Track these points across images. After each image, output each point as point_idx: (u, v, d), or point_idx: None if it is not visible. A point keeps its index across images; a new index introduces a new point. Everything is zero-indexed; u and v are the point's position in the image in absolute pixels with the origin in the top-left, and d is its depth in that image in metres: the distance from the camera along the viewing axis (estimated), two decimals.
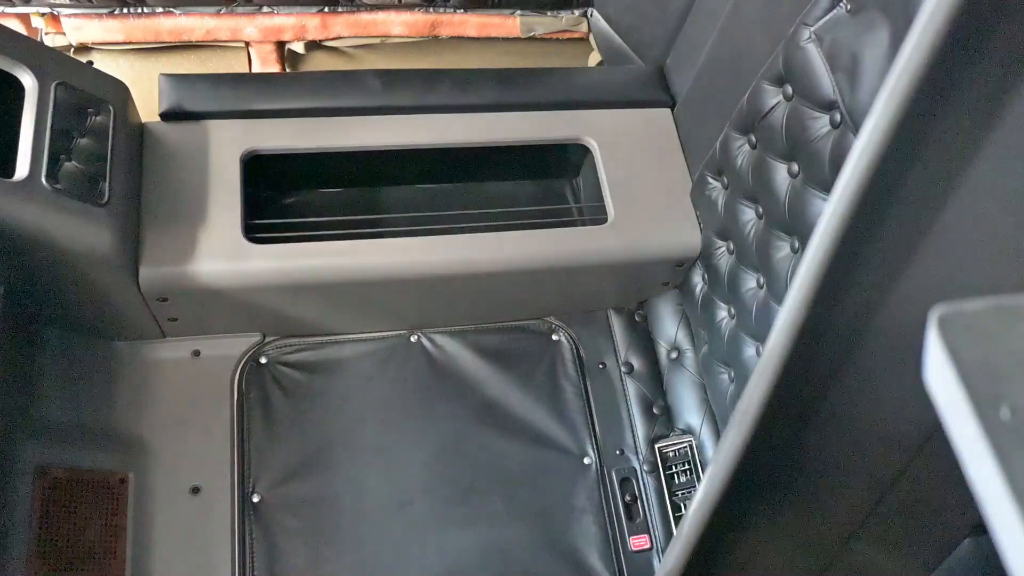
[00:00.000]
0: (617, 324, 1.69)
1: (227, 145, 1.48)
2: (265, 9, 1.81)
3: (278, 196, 1.64)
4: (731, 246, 1.48)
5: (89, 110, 1.33)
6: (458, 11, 1.91)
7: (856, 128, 1.17)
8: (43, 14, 1.72)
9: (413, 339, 1.61)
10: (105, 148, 1.32)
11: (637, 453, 1.58)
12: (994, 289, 0.56)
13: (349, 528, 1.44)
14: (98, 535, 1.33)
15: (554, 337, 1.66)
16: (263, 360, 1.54)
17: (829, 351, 0.73)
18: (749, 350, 1.43)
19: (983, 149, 0.60)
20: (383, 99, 1.57)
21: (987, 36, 0.55)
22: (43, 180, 1.24)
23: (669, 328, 1.67)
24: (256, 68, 1.83)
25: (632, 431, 1.61)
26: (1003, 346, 0.52)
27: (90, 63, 1.69)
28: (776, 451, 0.81)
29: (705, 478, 0.84)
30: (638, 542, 1.51)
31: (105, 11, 1.74)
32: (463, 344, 1.62)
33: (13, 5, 1.69)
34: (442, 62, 1.96)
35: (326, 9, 1.84)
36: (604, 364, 1.66)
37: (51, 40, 1.74)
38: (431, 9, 1.89)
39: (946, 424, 0.53)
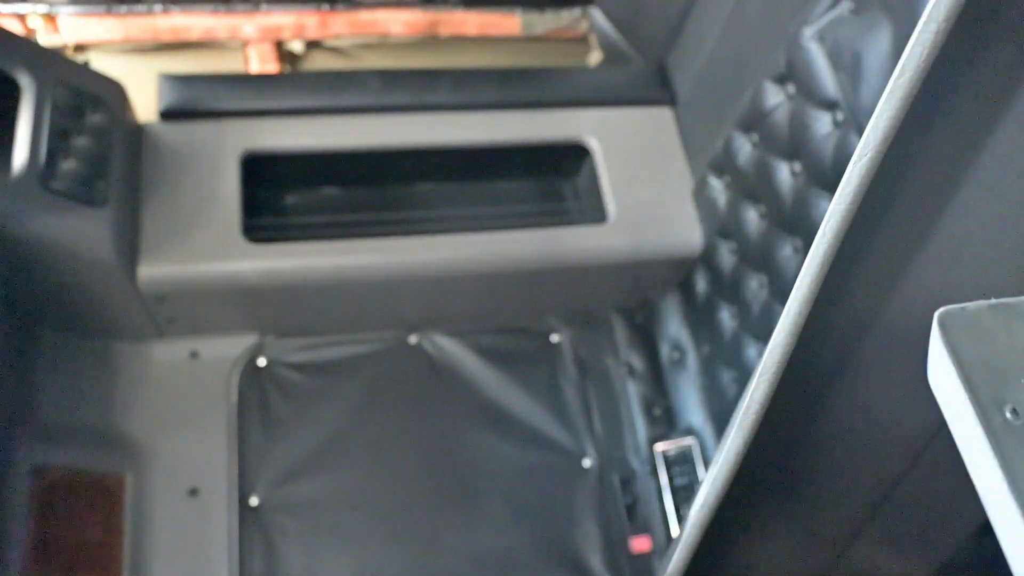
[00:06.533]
0: (618, 325, 1.68)
1: (226, 145, 1.48)
2: (263, 7, 1.81)
3: (277, 196, 1.64)
4: (733, 246, 1.48)
5: (87, 110, 1.32)
6: (458, 9, 1.91)
7: (859, 127, 1.17)
8: (41, 13, 1.72)
9: (412, 340, 1.61)
10: (103, 148, 1.32)
11: (638, 455, 1.58)
12: (997, 289, 0.55)
13: (347, 530, 1.43)
14: (95, 536, 1.32)
15: (554, 338, 1.66)
16: (261, 361, 1.54)
17: (831, 352, 0.73)
18: (752, 351, 1.42)
19: (985, 149, 0.59)
20: (382, 98, 1.57)
21: (989, 36, 0.55)
22: (41, 180, 1.23)
23: (670, 329, 1.67)
24: (255, 67, 1.83)
25: (633, 433, 1.60)
26: (1006, 347, 0.51)
27: (86, 63, 1.69)
28: (778, 452, 0.80)
29: (707, 480, 0.84)
30: (639, 544, 1.50)
31: (103, 9, 1.73)
32: (463, 345, 1.61)
33: (10, 3, 1.69)
34: (442, 61, 1.95)
35: (325, 7, 1.84)
36: (605, 365, 1.65)
37: (48, 40, 1.73)
38: (431, 7, 1.89)
39: (949, 424, 0.52)
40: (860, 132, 1.16)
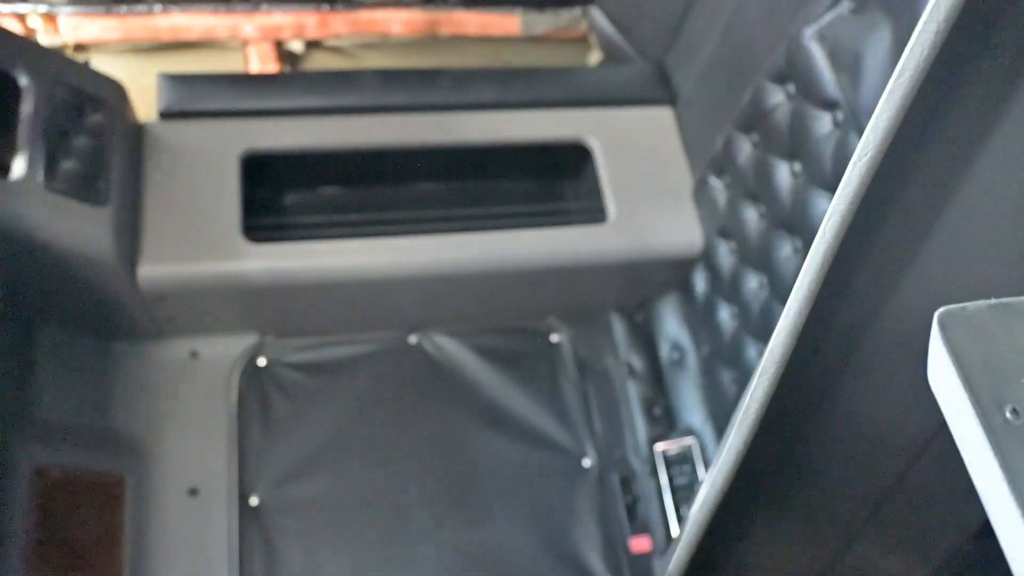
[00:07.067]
0: (618, 325, 1.68)
1: (226, 144, 1.48)
2: (263, 7, 1.81)
3: (277, 195, 1.64)
4: (733, 246, 1.48)
5: (87, 110, 1.32)
6: (458, 9, 1.90)
7: (859, 127, 1.17)
8: (41, 13, 1.72)
9: (412, 340, 1.61)
10: (103, 147, 1.32)
11: (638, 454, 1.58)
12: (997, 289, 0.55)
13: (347, 530, 1.43)
14: (95, 536, 1.32)
15: (554, 338, 1.66)
16: (261, 361, 1.54)
17: (831, 352, 0.72)
18: (752, 351, 1.42)
19: (985, 149, 0.59)
20: (382, 98, 1.57)
21: (989, 36, 0.55)
22: (41, 180, 1.23)
23: (670, 328, 1.66)
24: (255, 67, 1.83)
25: (633, 432, 1.60)
26: (1006, 347, 0.51)
27: (86, 63, 1.69)
28: (778, 452, 0.80)
29: (707, 480, 0.84)
30: (639, 544, 1.50)
31: (103, 9, 1.73)
32: (462, 345, 1.61)
33: (10, 3, 1.69)
34: (442, 61, 1.95)
35: (325, 7, 1.84)
36: (605, 365, 1.65)
37: (48, 40, 1.73)
38: (431, 7, 1.89)
39: (949, 424, 0.52)
40: (860, 132, 1.16)
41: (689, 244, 1.56)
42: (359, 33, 1.89)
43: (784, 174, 1.32)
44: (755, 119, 1.38)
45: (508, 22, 1.94)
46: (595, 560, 1.47)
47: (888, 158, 0.58)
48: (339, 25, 1.87)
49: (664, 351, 1.67)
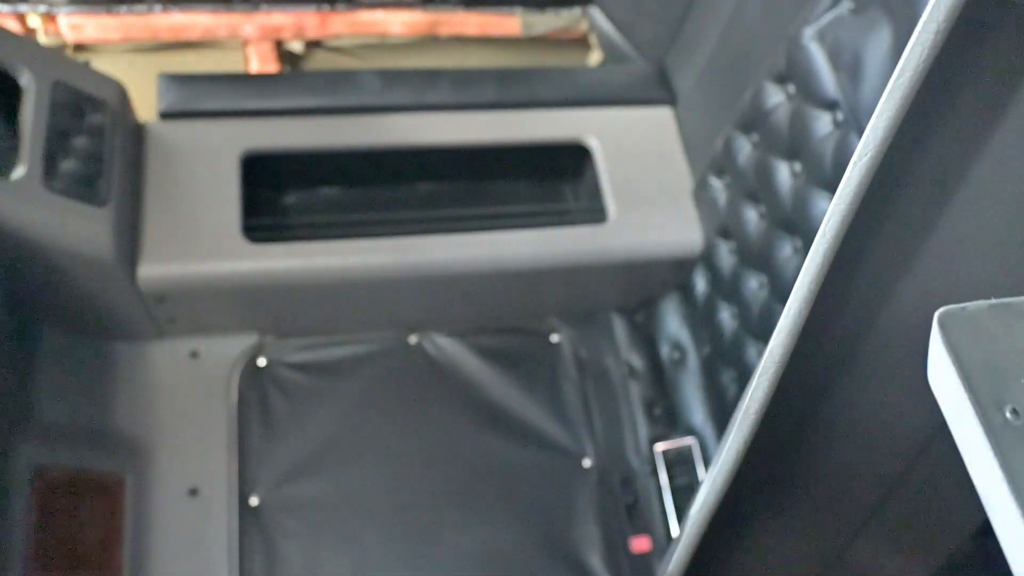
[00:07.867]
0: (618, 325, 1.68)
1: (226, 144, 1.48)
2: (263, 7, 1.81)
3: (277, 195, 1.64)
4: (733, 246, 1.48)
5: (87, 110, 1.33)
6: (458, 9, 1.90)
7: (859, 128, 1.17)
8: (41, 13, 1.72)
9: (412, 341, 1.61)
10: (103, 148, 1.32)
11: (638, 455, 1.58)
12: (997, 289, 0.55)
13: (348, 531, 1.43)
14: (96, 536, 1.32)
15: (554, 338, 1.66)
16: (261, 361, 1.54)
17: (831, 352, 0.72)
18: (752, 351, 1.42)
19: (985, 149, 0.59)
20: (382, 98, 1.57)
21: (989, 37, 0.55)
22: (41, 180, 1.23)
23: (671, 329, 1.66)
24: (255, 67, 1.83)
25: (633, 433, 1.60)
26: (1006, 347, 0.51)
27: (86, 63, 1.69)
28: (778, 453, 0.80)
29: (707, 480, 0.84)
30: (639, 544, 1.50)
31: (103, 8, 1.73)
32: (462, 346, 1.61)
33: (10, 3, 1.69)
34: (442, 61, 1.95)
35: (325, 7, 1.84)
36: (605, 365, 1.65)
37: (48, 40, 1.73)
38: (431, 7, 1.89)
39: (950, 424, 0.52)
40: (860, 132, 1.16)
41: (689, 244, 1.56)
42: (359, 33, 1.89)
43: (784, 174, 1.32)
44: (755, 119, 1.38)
45: (508, 22, 1.94)
46: (595, 560, 1.47)
47: (888, 158, 0.58)
48: (339, 25, 1.87)
49: (664, 351, 1.67)
